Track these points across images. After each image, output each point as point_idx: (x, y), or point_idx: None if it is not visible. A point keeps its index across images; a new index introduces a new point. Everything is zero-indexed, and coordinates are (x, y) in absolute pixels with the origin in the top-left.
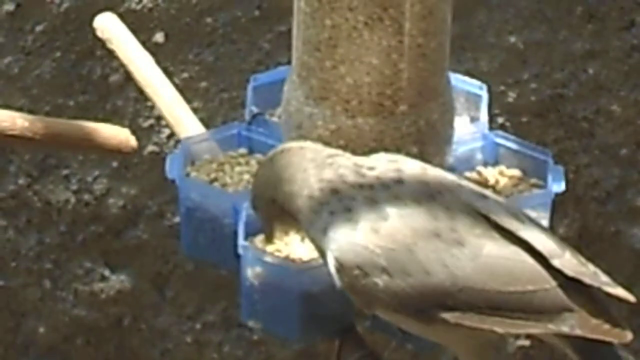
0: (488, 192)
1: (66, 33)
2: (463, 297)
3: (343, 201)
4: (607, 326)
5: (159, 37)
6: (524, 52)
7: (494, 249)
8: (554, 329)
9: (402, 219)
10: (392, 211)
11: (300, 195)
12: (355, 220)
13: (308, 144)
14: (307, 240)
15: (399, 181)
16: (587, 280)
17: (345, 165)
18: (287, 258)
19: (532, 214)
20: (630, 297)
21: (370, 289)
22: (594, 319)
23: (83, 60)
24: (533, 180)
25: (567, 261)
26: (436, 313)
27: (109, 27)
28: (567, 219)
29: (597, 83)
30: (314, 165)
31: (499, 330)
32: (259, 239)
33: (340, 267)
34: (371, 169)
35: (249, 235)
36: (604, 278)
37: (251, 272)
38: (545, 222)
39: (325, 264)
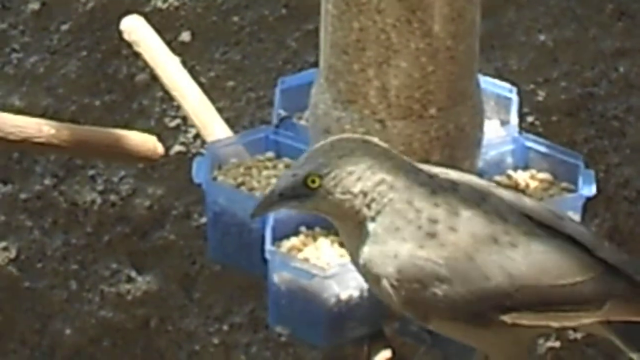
0: (523, 195)
1: (92, 32)
2: (519, 297)
3: (401, 205)
4: None
5: (186, 36)
6: (553, 51)
7: (541, 245)
8: (602, 316)
9: (464, 226)
10: (456, 218)
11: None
12: (415, 231)
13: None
14: (336, 245)
15: (455, 187)
16: (627, 268)
17: (406, 169)
18: (313, 263)
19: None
20: None
21: (430, 300)
22: (635, 303)
23: (109, 60)
24: (564, 184)
25: (606, 250)
26: (494, 315)
27: (135, 29)
28: (597, 219)
29: (628, 81)
30: (377, 162)
31: (555, 324)
32: (286, 244)
33: (399, 282)
34: (430, 176)
35: (276, 240)
36: (638, 262)
37: (278, 278)
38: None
39: (357, 266)
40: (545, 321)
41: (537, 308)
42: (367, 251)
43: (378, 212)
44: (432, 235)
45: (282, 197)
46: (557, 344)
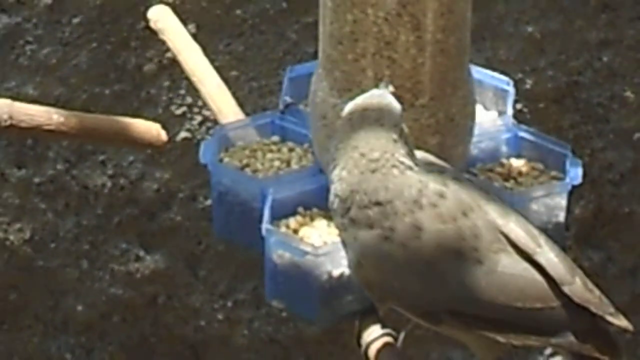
0: (512, 210)
1: (102, 25)
2: (472, 307)
3: (381, 205)
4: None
5: (191, 28)
6: (540, 41)
7: (509, 265)
8: (554, 343)
9: (434, 236)
10: (427, 228)
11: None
12: (388, 228)
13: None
14: (332, 225)
15: (442, 196)
16: (592, 308)
17: (396, 165)
18: (307, 242)
19: (550, 202)
20: (630, 327)
21: (386, 288)
22: (586, 347)
23: (118, 51)
24: (553, 173)
25: (576, 288)
26: (443, 317)
27: (162, 18)
28: (583, 200)
29: (611, 70)
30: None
31: (502, 339)
32: (284, 223)
33: (360, 264)
34: (421, 180)
35: (275, 219)
36: (609, 306)
37: (275, 255)
38: (562, 213)
39: (345, 252)
40: (493, 334)
41: (488, 322)
42: (348, 228)
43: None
44: (401, 236)
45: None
46: None
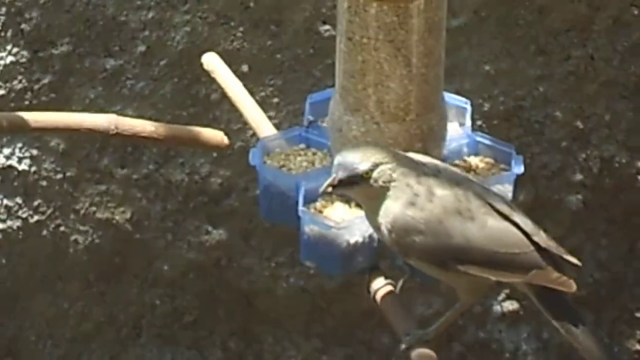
0: (489, 187)
1: (181, 66)
2: (472, 255)
3: (402, 183)
4: (560, 279)
5: (245, 68)
6: (494, 76)
7: (494, 223)
8: (528, 279)
9: (439, 200)
10: (431, 195)
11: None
12: (404, 199)
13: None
14: (347, 207)
15: (439, 172)
16: (554, 250)
17: (408, 160)
18: (331, 219)
19: (501, 187)
20: (579, 263)
21: (410, 246)
22: (554, 275)
23: (193, 84)
24: (502, 166)
25: (541, 238)
26: (452, 264)
27: (212, 62)
28: (524, 190)
29: (546, 97)
30: (393, 161)
31: (492, 277)
32: (314, 206)
33: (392, 228)
34: (423, 164)
35: (306, 203)
36: (563, 250)
37: (307, 228)
38: (510, 193)
39: (371, 223)
40: (487, 274)
41: (483, 265)
42: (382, 211)
43: (389, 190)
44: (414, 203)
45: (341, 182)
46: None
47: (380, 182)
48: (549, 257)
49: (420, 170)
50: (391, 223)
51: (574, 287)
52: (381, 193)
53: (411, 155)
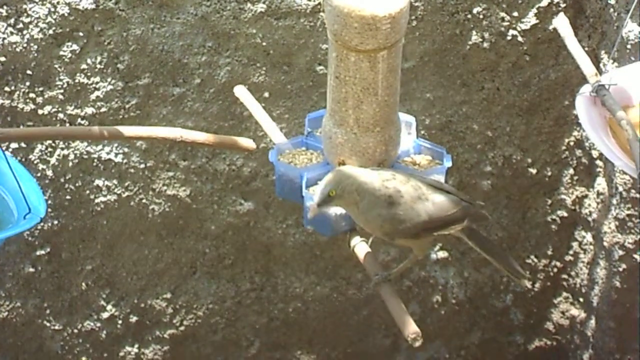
0: (427, 177)
1: (224, 93)
2: (433, 223)
3: (369, 191)
4: (479, 214)
5: (266, 94)
6: (433, 101)
7: (438, 197)
8: (463, 226)
9: (406, 194)
10: (398, 193)
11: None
12: (381, 202)
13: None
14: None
15: (394, 175)
16: (469, 200)
17: (377, 173)
18: None
19: (437, 176)
20: (481, 202)
21: (397, 231)
22: (476, 214)
23: (231, 105)
24: (437, 161)
25: (463, 196)
26: (422, 233)
27: (241, 93)
28: (452, 177)
29: (467, 115)
30: (356, 177)
31: (446, 232)
32: (313, 189)
33: (383, 224)
34: (379, 172)
35: (307, 187)
36: (469, 197)
37: (308, 204)
38: (443, 180)
39: (358, 223)
40: (444, 232)
41: (439, 227)
42: (362, 215)
43: (362, 198)
44: (391, 202)
45: (319, 204)
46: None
47: (345, 195)
48: (472, 207)
49: (380, 176)
50: (382, 221)
51: (488, 216)
52: (353, 201)
53: (368, 169)
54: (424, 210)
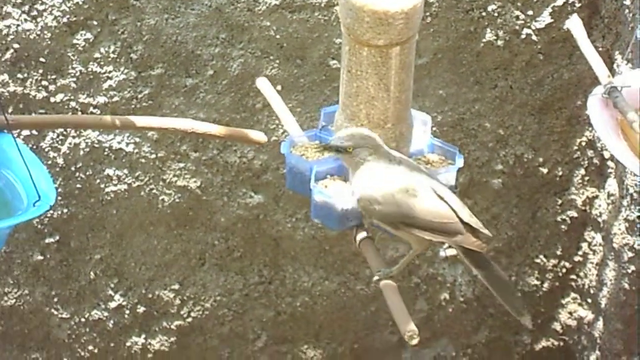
0: (434, 177)
1: (236, 85)
2: (414, 220)
3: (372, 164)
4: (475, 242)
5: (279, 87)
6: (445, 98)
7: (431, 200)
8: (453, 241)
9: (394, 180)
10: (390, 177)
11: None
12: (372, 177)
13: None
14: (345, 184)
15: (401, 162)
16: (473, 224)
17: (386, 151)
18: (332, 192)
19: (448, 175)
20: (490, 234)
21: (372, 211)
22: (471, 239)
23: (244, 98)
24: (449, 161)
25: (464, 214)
26: (401, 226)
27: (262, 85)
28: (464, 175)
29: (479, 113)
30: (372, 146)
31: (431, 238)
32: (322, 182)
33: (360, 197)
34: (394, 156)
35: (316, 180)
36: (480, 224)
37: (316, 197)
38: (454, 179)
39: (351, 180)
40: (424, 235)
41: (421, 228)
42: (353, 183)
43: (362, 165)
44: (376, 181)
45: (330, 147)
46: (454, 252)
47: (357, 158)
48: (469, 228)
49: (391, 159)
50: (359, 193)
51: (484, 248)
52: (357, 166)
53: (390, 150)
54: (405, 203)
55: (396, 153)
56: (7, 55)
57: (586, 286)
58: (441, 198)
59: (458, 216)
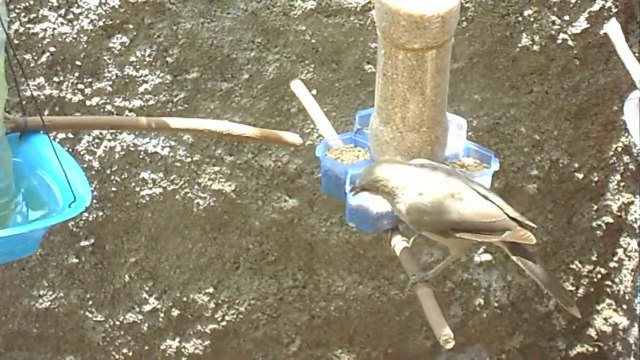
0: (473, 179)
1: (272, 89)
2: (464, 225)
3: (413, 178)
4: (525, 235)
5: (314, 91)
6: (481, 103)
7: (477, 202)
8: (503, 238)
9: (438, 189)
10: (432, 185)
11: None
12: (418, 189)
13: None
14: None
15: (435, 169)
16: (518, 218)
17: (416, 164)
18: (367, 196)
19: (483, 179)
20: (533, 225)
21: (423, 222)
22: (520, 232)
23: (279, 101)
24: (485, 165)
25: (509, 209)
26: (451, 232)
27: (297, 87)
28: (498, 180)
29: (515, 118)
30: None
31: (479, 240)
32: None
33: (409, 211)
34: (424, 165)
35: (351, 183)
36: (525, 218)
37: (351, 201)
38: (489, 183)
39: (393, 206)
40: (475, 238)
41: (472, 231)
42: (400, 202)
43: (397, 191)
44: (420, 192)
45: (356, 189)
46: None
47: (380, 191)
48: (516, 222)
49: (420, 170)
50: (407, 208)
51: (534, 240)
52: (389, 194)
53: (415, 160)
54: (454, 208)
55: (427, 161)
56: (44, 58)
57: (621, 292)
58: (485, 198)
59: (504, 212)
